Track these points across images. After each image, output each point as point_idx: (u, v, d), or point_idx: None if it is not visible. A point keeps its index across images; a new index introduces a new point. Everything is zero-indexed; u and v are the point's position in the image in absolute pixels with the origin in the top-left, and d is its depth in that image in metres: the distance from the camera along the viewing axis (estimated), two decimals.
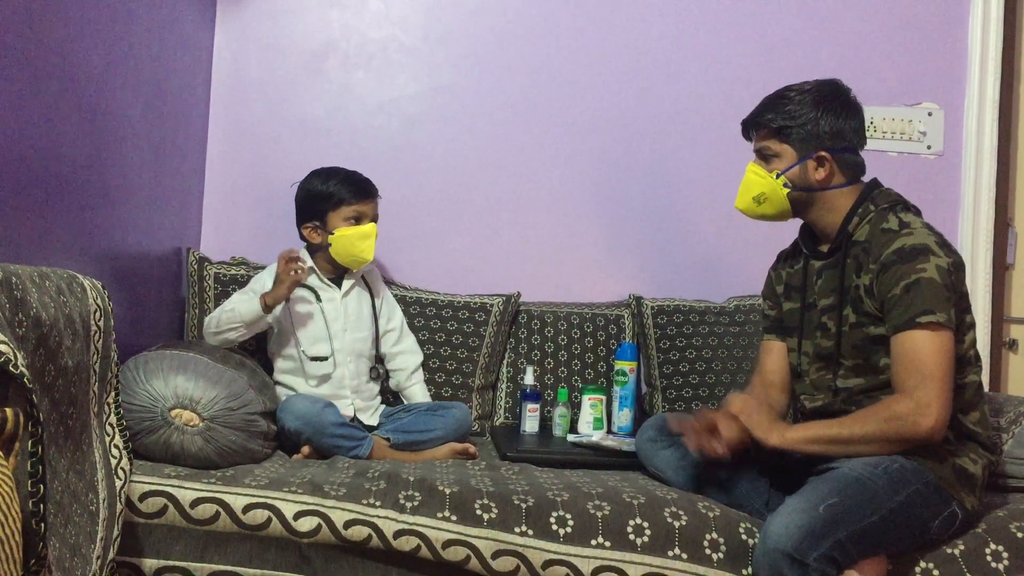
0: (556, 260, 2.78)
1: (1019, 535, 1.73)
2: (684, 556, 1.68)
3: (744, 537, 1.71)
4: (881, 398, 1.72)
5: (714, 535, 1.70)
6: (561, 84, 2.79)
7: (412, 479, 1.77)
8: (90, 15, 1.78)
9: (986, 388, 2.22)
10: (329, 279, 2.30)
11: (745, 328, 2.61)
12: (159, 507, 1.66)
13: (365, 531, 1.66)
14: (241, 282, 2.42)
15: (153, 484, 1.68)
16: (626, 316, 2.67)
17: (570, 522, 1.70)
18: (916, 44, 2.87)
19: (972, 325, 1.78)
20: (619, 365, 2.49)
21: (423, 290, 2.62)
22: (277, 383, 2.25)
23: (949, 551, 1.69)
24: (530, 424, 2.42)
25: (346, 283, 2.31)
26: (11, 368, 1.02)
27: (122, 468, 1.51)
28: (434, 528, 1.67)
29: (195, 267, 2.45)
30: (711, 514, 1.74)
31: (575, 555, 1.67)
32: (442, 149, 2.76)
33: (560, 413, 2.43)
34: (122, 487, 1.50)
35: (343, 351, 2.26)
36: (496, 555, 1.66)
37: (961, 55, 2.89)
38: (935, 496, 1.66)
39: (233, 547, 1.67)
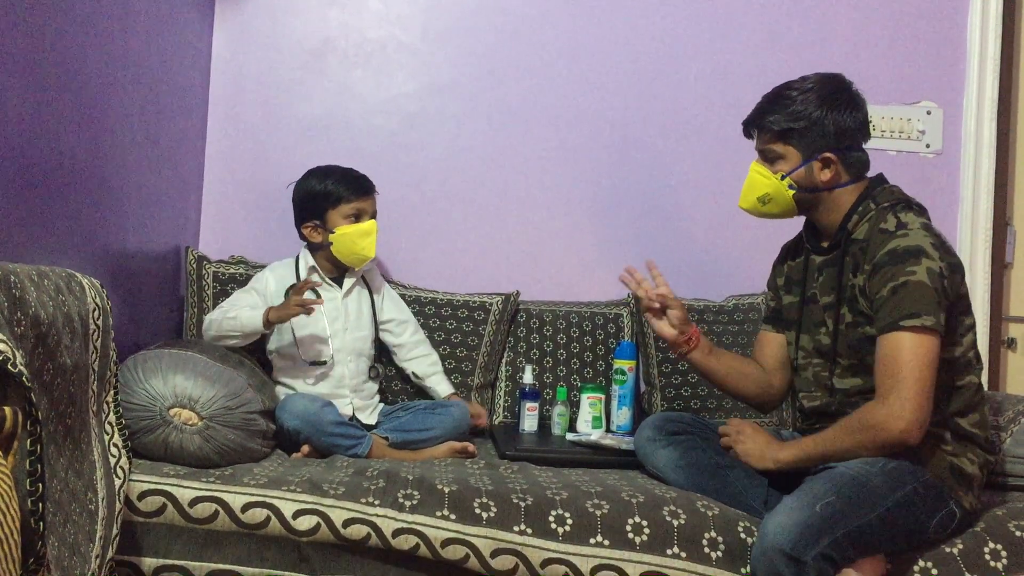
0: (555, 259, 2.78)
1: (1018, 534, 1.73)
2: (683, 555, 1.68)
3: (743, 536, 1.71)
4: None
5: (713, 534, 1.70)
6: (560, 83, 2.79)
7: (411, 478, 1.77)
8: (89, 14, 1.77)
9: (984, 387, 2.21)
10: (330, 278, 2.30)
11: (744, 327, 2.61)
12: (158, 506, 1.66)
13: (364, 530, 1.66)
14: (240, 281, 2.42)
15: (152, 483, 1.68)
16: (625, 315, 2.67)
17: (569, 521, 1.70)
18: (915, 43, 2.87)
19: (972, 327, 1.77)
20: (618, 364, 2.49)
21: (422, 289, 2.62)
22: (276, 382, 2.25)
23: (948, 550, 1.69)
24: (529, 423, 2.42)
25: (347, 282, 2.31)
26: (10, 367, 1.02)
27: (121, 467, 1.51)
28: (433, 527, 1.67)
29: (194, 266, 2.45)
30: (710, 513, 1.74)
31: (574, 554, 1.67)
32: (441, 148, 2.76)
33: (559, 412, 2.43)
34: (121, 486, 1.50)
35: (343, 350, 2.26)
36: (495, 554, 1.66)
37: (960, 54, 2.89)
38: (933, 495, 1.66)
39: (232, 546, 1.67)
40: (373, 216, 2.28)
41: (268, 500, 1.68)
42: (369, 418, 2.28)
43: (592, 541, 1.69)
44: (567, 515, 1.71)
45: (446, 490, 1.73)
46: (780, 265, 2.01)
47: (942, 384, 1.67)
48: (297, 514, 1.67)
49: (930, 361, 1.63)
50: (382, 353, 2.41)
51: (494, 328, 2.56)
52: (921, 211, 1.79)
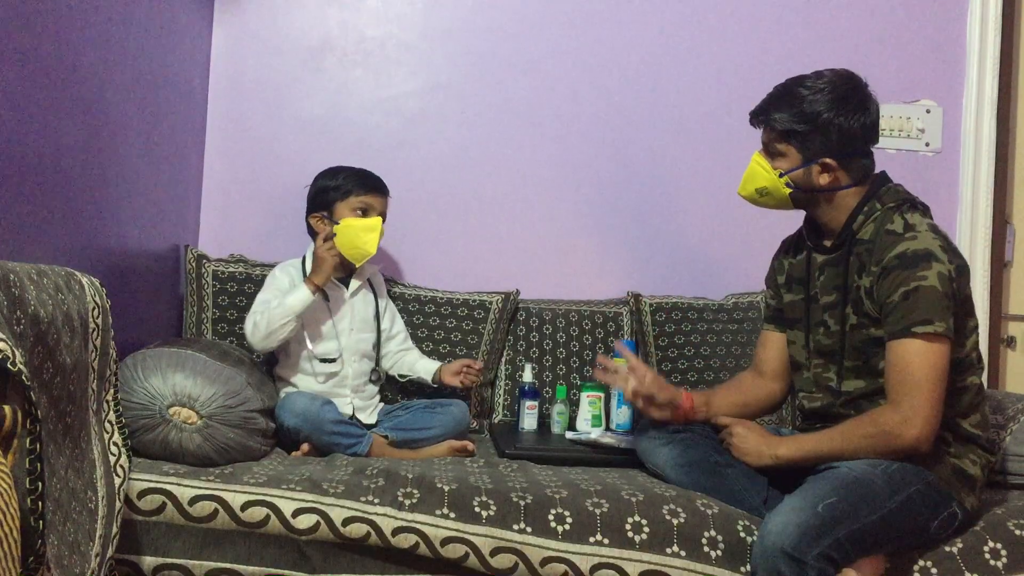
0: (555, 258, 2.78)
1: (1017, 533, 1.74)
2: (683, 553, 1.68)
3: (743, 535, 1.71)
4: (880, 402, 1.72)
5: (712, 533, 1.70)
6: (559, 81, 2.79)
7: (410, 476, 1.77)
8: (88, 13, 1.77)
9: (985, 386, 2.21)
10: (337, 279, 2.31)
11: (743, 325, 2.61)
12: (158, 504, 1.66)
13: (364, 528, 1.66)
14: (239, 280, 2.42)
15: (152, 481, 1.68)
16: (625, 313, 2.67)
17: (568, 519, 1.70)
18: (915, 41, 2.88)
19: (975, 328, 1.77)
20: (618, 363, 2.48)
21: (422, 287, 2.62)
22: (278, 379, 2.25)
23: (948, 549, 1.69)
24: (529, 421, 2.42)
25: (353, 283, 2.32)
26: (9, 365, 1.02)
27: (121, 466, 1.51)
28: (432, 525, 1.67)
29: (193, 264, 2.45)
30: (710, 512, 1.74)
31: (574, 552, 1.67)
32: (440, 146, 2.76)
33: (559, 410, 2.43)
34: (121, 484, 1.49)
35: (348, 350, 2.26)
36: (494, 552, 1.66)
37: (960, 52, 2.89)
38: (935, 496, 1.66)
39: (232, 545, 1.67)
40: (380, 215, 2.28)
41: (268, 499, 1.68)
42: (369, 417, 2.28)
43: (592, 540, 1.68)
44: (567, 514, 1.71)
45: (446, 489, 1.73)
46: (780, 262, 2.00)
47: (946, 386, 1.67)
48: (297, 513, 1.67)
49: (942, 367, 1.63)
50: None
51: (494, 327, 2.56)
52: (926, 211, 1.79)
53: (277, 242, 2.61)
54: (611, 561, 1.67)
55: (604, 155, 2.80)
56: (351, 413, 2.23)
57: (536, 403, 2.44)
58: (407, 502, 1.70)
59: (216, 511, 1.66)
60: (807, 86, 1.77)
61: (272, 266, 2.37)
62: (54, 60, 1.64)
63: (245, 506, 1.67)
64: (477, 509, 1.70)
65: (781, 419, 2.51)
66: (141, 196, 2.16)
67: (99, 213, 1.91)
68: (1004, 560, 1.69)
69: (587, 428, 2.41)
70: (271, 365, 2.29)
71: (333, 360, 2.23)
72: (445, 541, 1.66)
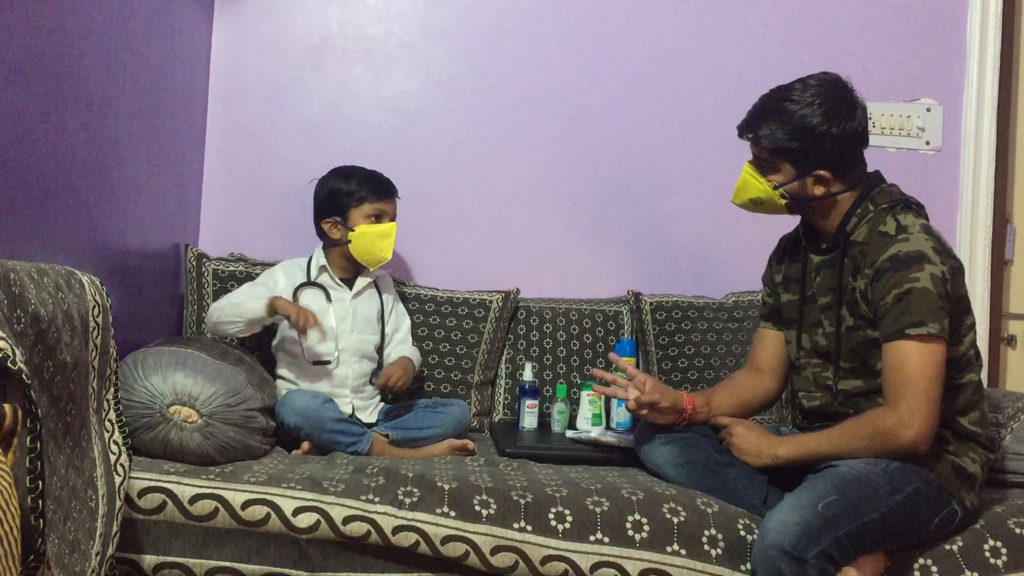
0: (555, 256, 2.78)
1: (1017, 531, 1.74)
2: (683, 552, 1.68)
3: (743, 533, 1.71)
4: (879, 400, 1.72)
5: (713, 531, 1.71)
6: (559, 80, 2.79)
7: (411, 475, 1.77)
8: (88, 12, 1.77)
9: (984, 384, 2.22)
10: (341, 279, 2.30)
11: (743, 324, 2.61)
12: (158, 503, 1.66)
13: (364, 527, 1.66)
14: (239, 279, 2.42)
15: (152, 480, 1.68)
16: (625, 312, 2.67)
17: (569, 518, 1.70)
18: (915, 40, 2.87)
19: (972, 326, 1.77)
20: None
21: (422, 286, 2.62)
22: (278, 377, 2.25)
23: (947, 547, 1.70)
24: (529, 420, 2.42)
25: (358, 284, 2.31)
26: (9, 364, 1.02)
27: (121, 464, 1.51)
28: (433, 524, 1.67)
29: (193, 263, 2.45)
30: (710, 510, 1.74)
31: (574, 551, 1.67)
32: (440, 145, 2.76)
33: (559, 409, 2.43)
34: (121, 483, 1.49)
35: (348, 351, 2.26)
36: (495, 551, 1.66)
37: (960, 51, 2.89)
38: (935, 495, 1.66)
39: (232, 543, 1.67)
40: (393, 219, 2.28)
41: (268, 497, 1.68)
42: (369, 416, 2.28)
43: (592, 538, 1.69)
44: (567, 512, 1.71)
45: (446, 487, 1.73)
46: (778, 261, 2.00)
47: (944, 384, 1.67)
48: (297, 511, 1.67)
49: (937, 368, 1.63)
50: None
51: (494, 325, 2.56)
52: (920, 211, 1.79)
53: (277, 240, 2.61)
54: (611, 560, 1.67)
55: (604, 153, 2.80)
56: (351, 412, 2.23)
57: (536, 402, 2.44)
58: (407, 501, 1.70)
59: (216, 510, 1.66)
60: (795, 100, 1.74)
61: (272, 264, 2.37)
62: (54, 60, 1.64)
63: (245, 505, 1.67)
64: (477, 508, 1.70)
65: (781, 419, 2.52)
66: (141, 195, 2.16)
67: (99, 212, 1.91)
68: (1004, 558, 1.70)
69: (587, 427, 2.41)
70: (271, 364, 2.29)
71: (327, 362, 2.23)
72: (445, 540, 1.66)
